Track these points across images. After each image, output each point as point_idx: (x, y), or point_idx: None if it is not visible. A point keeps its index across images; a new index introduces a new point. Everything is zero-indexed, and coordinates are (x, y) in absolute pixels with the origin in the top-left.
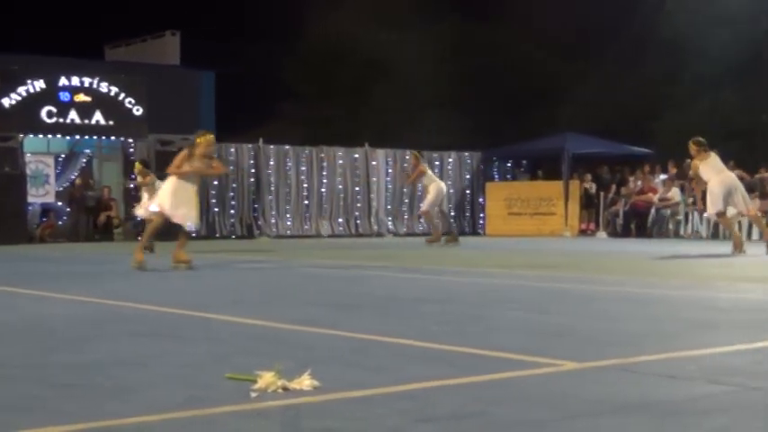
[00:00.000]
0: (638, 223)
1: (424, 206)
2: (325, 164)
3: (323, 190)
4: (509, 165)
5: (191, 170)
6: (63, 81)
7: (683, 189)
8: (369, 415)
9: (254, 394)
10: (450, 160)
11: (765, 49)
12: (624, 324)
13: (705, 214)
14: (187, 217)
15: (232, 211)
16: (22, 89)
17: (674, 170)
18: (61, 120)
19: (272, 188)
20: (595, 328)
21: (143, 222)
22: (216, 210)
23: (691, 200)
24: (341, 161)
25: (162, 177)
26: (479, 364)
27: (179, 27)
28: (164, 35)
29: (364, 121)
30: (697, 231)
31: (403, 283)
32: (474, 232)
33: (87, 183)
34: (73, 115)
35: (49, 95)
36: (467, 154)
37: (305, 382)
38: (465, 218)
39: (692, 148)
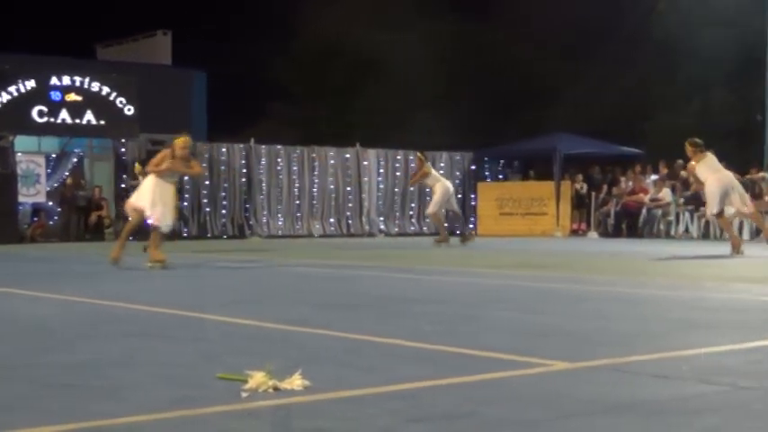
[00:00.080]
0: (630, 223)
1: (430, 208)
2: (316, 164)
3: (314, 190)
4: (501, 165)
5: (169, 167)
6: (54, 80)
7: (673, 189)
8: (360, 415)
9: (244, 394)
10: (442, 160)
11: (757, 49)
12: (616, 324)
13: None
14: (163, 217)
15: (223, 211)
16: (12, 88)
17: (665, 170)
18: (52, 119)
19: (264, 188)
20: (587, 328)
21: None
22: (207, 210)
23: (681, 200)
24: (332, 161)
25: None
26: (471, 364)
27: (170, 27)
28: (155, 35)
29: (356, 121)
30: (688, 231)
31: (395, 283)
32: (472, 231)
33: (78, 182)
34: (64, 115)
35: (41, 95)
36: (458, 154)
37: (296, 381)
38: (456, 218)
39: (689, 149)
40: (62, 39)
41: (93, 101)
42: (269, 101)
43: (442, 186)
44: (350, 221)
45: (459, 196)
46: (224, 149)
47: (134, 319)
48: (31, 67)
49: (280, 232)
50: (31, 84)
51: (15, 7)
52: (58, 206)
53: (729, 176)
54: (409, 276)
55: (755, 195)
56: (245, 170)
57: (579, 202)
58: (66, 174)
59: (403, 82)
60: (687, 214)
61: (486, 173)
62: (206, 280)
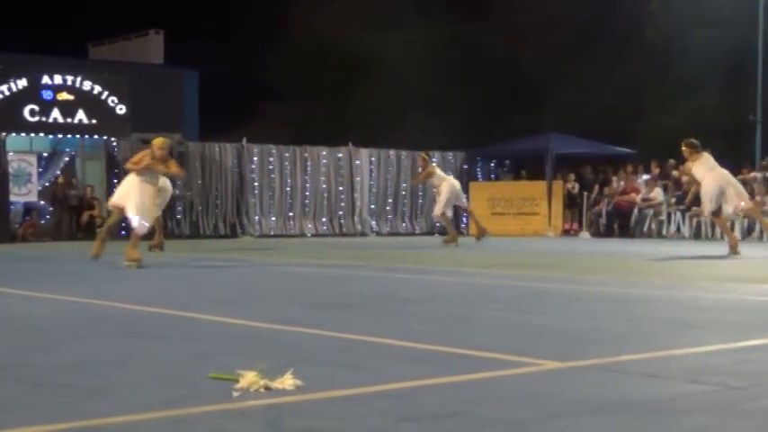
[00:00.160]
0: (621, 223)
1: (436, 209)
2: (308, 163)
3: (307, 189)
4: (493, 165)
5: (147, 166)
6: (46, 79)
7: (665, 189)
8: (351, 414)
9: (236, 394)
10: (434, 160)
11: (748, 49)
12: (606, 324)
13: (702, 216)
14: (141, 216)
15: (216, 211)
16: (4, 87)
17: (656, 170)
18: (44, 118)
19: (256, 188)
20: (578, 327)
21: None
22: (200, 209)
23: (673, 200)
24: (325, 161)
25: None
26: (462, 364)
27: (163, 26)
28: (147, 34)
29: (348, 121)
30: (679, 231)
31: (387, 282)
32: (457, 232)
33: (70, 182)
34: (56, 114)
35: (32, 94)
36: (450, 154)
37: (287, 381)
38: None
39: (685, 149)
40: (54, 38)
41: (84, 100)
42: (261, 100)
43: (447, 185)
44: (342, 221)
45: None
46: (216, 149)
47: (127, 318)
48: (22, 66)
49: (272, 232)
50: (22, 83)
51: (7, 6)
52: (49, 205)
53: (725, 174)
54: (401, 276)
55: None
56: (237, 170)
57: (571, 202)
58: (58, 173)
59: (395, 82)
60: (679, 214)
61: (479, 173)
62: (198, 280)
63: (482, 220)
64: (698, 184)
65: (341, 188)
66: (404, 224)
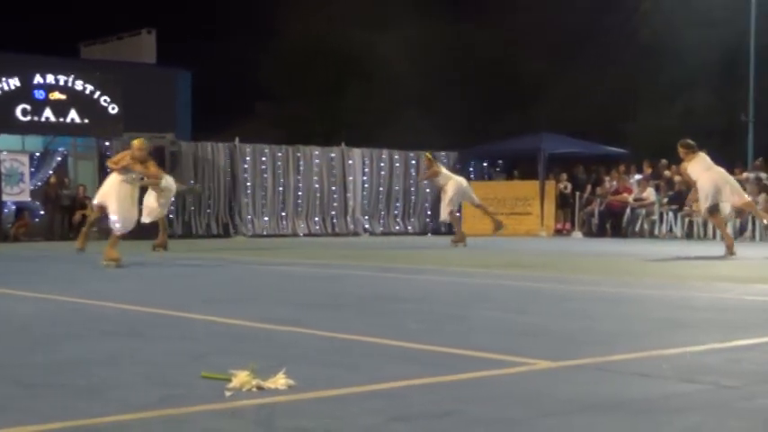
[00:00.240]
0: (614, 223)
1: (442, 214)
2: (301, 163)
3: (299, 189)
4: (485, 164)
5: (125, 166)
6: (38, 79)
7: (657, 189)
8: (344, 414)
9: (228, 393)
10: (444, 160)
11: (741, 50)
12: (599, 323)
13: (698, 216)
14: (119, 216)
15: (208, 210)
16: None
17: (648, 170)
18: (36, 118)
19: (249, 187)
20: (570, 327)
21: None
22: (192, 209)
23: (665, 200)
24: (317, 160)
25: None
26: (455, 363)
27: (155, 25)
28: (140, 33)
29: (341, 121)
30: (671, 231)
31: (380, 282)
32: (450, 231)
33: (62, 181)
34: (48, 113)
35: (24, 93)
36: (443, 153)
37: (280, 381)
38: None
39: (681, 150)
40: (46, 37)
41: (77, 100)
42: (254, 100)
43: (454, 184)
44: (335, 221)
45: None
46: (209, 148)
47: (120, 318)
48: (14, 66)
49: (264, 231)
50: (14, 82)
51: None
52: (42, 205)
53: (721, 172)
54: (394, 276)
55: None
56: (229, 169)
57: (563, 202)
58: (50, 173)
59: (388, 82)
60: (671, 214)
61: (471, 172)
62: (191, 279)
63: (475, 221)
64: (693, 183)
65: (333, 188)
66: (396, 224)
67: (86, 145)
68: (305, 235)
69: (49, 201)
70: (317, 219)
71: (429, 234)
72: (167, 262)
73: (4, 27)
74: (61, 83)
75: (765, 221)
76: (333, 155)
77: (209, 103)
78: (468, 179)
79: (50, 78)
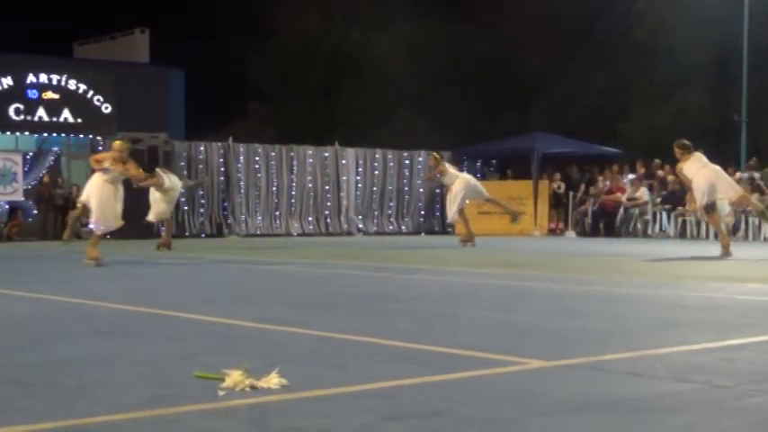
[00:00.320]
0: (607, 223)
1: (449, 213)
2: (295, 163)
3: (293, 189)
4: (479, 164)
5: (105, 167)
6: (31, 78)
7: (651, 189)
8: (336, 413)
9: (221, 393)
10: (420, 159)
11: (734, 49)
12: (591, 323)
13: (691, 215)
14: (96, 216)
15: (201, 210)
16: None
17: (642, 170)
18: (29, 117)
19: (242, 187)
20: (563, 326)
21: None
22: (185, 208)
23: (659, 199)
24: (311, 160)
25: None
26: (447, 363)
27: (148, 25)
28: (133, 33)
29: (334, 120)
30: (664, 231)
31: (373, 281)
32: (444, 231)
33: (55, 181)
34: (41, 113)
35: (17, 93)
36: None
37: (273, 380)
38: (435, 217)
39: (677, 151)
40: (39, 36)
41: (70, 99)
42: (247, 99)
43: (461, 182)
44: (328, 220)
45: (438, 194)
46: (202, 148)
47: (112, 318)
48: (7, 65)
49: (258, 231)
50: (7, 81)
51: None
52: (35, 205)
53: (716, 170)
54: (387, 275)
55: None
56: (223, 169)
57: (557, 202)
58: (44, 172)
59: (382, 82)
60: (664, 213)
61: (465, 172)
62: (184, 279)
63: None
64: (689, 182)
65: (327, 187)
66: (390, 224)
67: (80, 144)
68: (298, 234)
69: (42, 200)
70: (310, 218)
71: (422, 234)
72: (162, 261)
73: None
74: (54, 82)
75: (760, 208)
76: (326, 154)
77: (202, 102)
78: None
79: (44, 78)
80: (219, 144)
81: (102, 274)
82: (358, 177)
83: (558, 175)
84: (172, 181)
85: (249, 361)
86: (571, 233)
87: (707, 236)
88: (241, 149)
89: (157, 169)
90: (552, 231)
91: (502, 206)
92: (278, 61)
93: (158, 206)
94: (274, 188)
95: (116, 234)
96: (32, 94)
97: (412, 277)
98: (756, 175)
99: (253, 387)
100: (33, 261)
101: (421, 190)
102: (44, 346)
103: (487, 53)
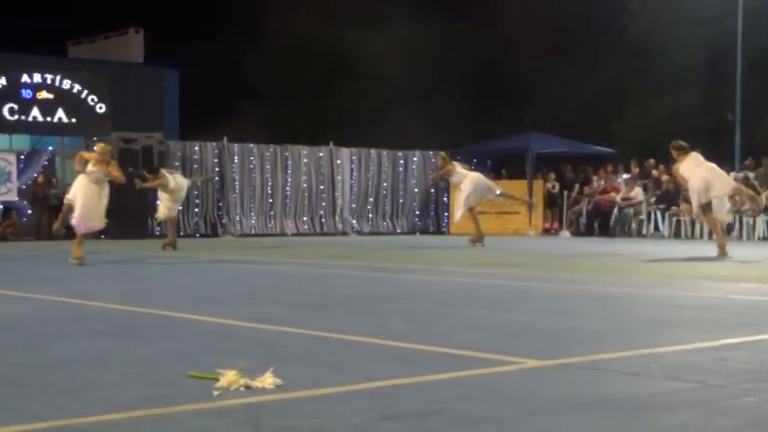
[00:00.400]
0: (601, 222)
1: (457, 213)
2: (289, 162)
3: (287, 189)
4: (473, 164)
5: (90, 168)
6: (25, 78)
7: (645, 188)
8: (331, 413)
9: (216, 392)
10: (415, 159)
11: (728, 49)
12: (587, 322)
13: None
14: (78, 216)
15: (196, 210)
16: None
17: (636, 170)
18: (23, 117)
19: (237, 187)
20: (558, 326)
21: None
22: (180, 208)
23: (653, 199)
24: (305, 160)
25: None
26: (443, 362)
27: (143, 24)
28: (127, 32)
29: (329, 120)
30: (659, 231)
31: (368, 281)
32: (438, 231)
33: (50, 181)
34: (35, 113)
35: (12, 92)
36: (431, 153)
37: (267, 380)
38: (429, 217)
39: (673, 152)
40: (33, 36)
41: (64, 99)
42: (242, 99)
43: (470, 181)
44: (323, 220)
45: (432, 194)
46: (196, 148)
47: (107, 317)
48: (1, 65)
49: (253, 231)
50: (1, 81)
51: None
52: (29, 204)
53: (710, 167)
54: (382, 275)
55: None
56: (217, 169)
57: (551, 202)
58: (39, 171)
59: (376, 82)
60: (658, 213)
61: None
62: (179, 279)
63: (463, 219)
64: (686, 183)
65: (322, 187)
66: (385, 223)
67: (74, 144)
68: (293, 234)
69: (36, 200)
70: (305, 218)
71: (417, 234)
72: (156, 261)
73: None
74: (49, 82)
75: (750, 193)
76: (321, 154)
77: (197, 102)
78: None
79: (38, 77)
80: (214, 144)
81: (96, 273)
82: (353, 177)
83: (552, 175)
84: (177, 181)
85: (244, 361)
86: (566, 233)
87: (701, 236)
88: (236, 149)
89: (162, 170)
90: (547, 231)
91: (516, 199)
92: (273, 61)
93: (165, 206)
94: (269, 188)
95: (114, 234)
96: (27, 93)
97: (407, 277)
98: (751, 174)
99: (247, 387)
100: (28, 261)
101: (416, 190)
102: (39, 346)
103: (482, 53)
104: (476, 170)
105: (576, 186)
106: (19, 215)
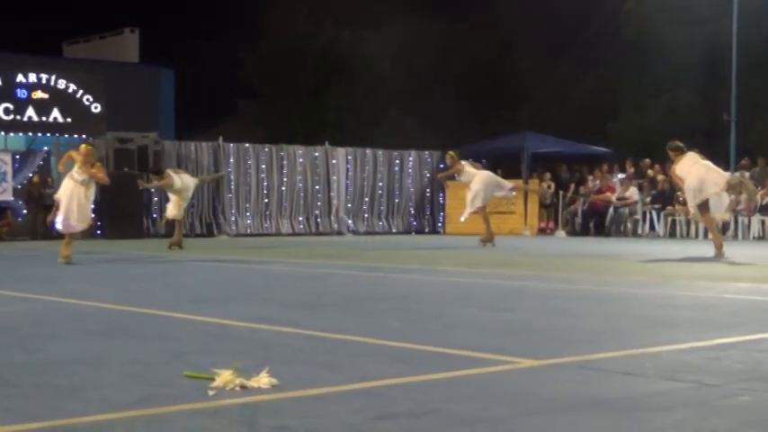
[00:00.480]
0: (597, 222)
1: (465, 213)
2: (285, 162)
3: (283, 188)
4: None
5: (76, 170)
6: (20, 78)
7: (640, 188)
8: (327, 413)
9: (211, 392)
10: (411, 159)
11: (723, 49)
12: (582, 322)
13: (687, 216)
14: (61, 216)
15: (192, 210)
16: None
17: (631, 169)
18: (18, 117)
19: (232, 186)
20: (553, 325)
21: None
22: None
23: (648, 199)
24: (301, 160)
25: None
26: (438, 362)
27: (138, 24)
28: (123, 32)
29: (325, 120)
30: (654, 230)
31: (363, 281)
32: (434, 231)
33: (45, 180)
34: (30, 112)
35: (7, 92)
36: (427, 153)
37: (263, 380)
38: (425, 216)
39: (670, 153)
40: (28, 36)
41: (59, 98)
42: (237, 99)
43: (480, 179)
44: (318, 220)
45: (428, 194)
46: (192, 148)
47: (102, 317)
48: None
49: (248, 231)
50: None
51: None
52: (25, 204)
53: (705, 165)
54: (377, 275)
55: None
56: (213, 168)
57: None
58: (34, 172)
59: (372, 81)
60: (654, 213)
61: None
62: (174, 278)
63: (458, 219)
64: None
65: (317, 187)
66: (380, 223)
67: (69, 144)
68: (289, 234)
69: (32, 200)
70: (300, 218)
71: (413, 233)
72: (153, 261)
73: None
74: (44, 82)
75: (737, 179)
76: (316, 154)
77: (192, 102)
78: (452, 178)
79: (33, 77)
80: (210, 144)
81: (92, 273)
82: (348, 177)
83: (547, 175)
84: (184, 181)
85: (239, 360)
86: (561, 233)
87: (696, 235)
88: (231, 149)
89: (168, 170)
90: (542, 231)
91: (525, 190)
92: (268, 61)
93: (174, 206)
94: (265, 188)
95: (109, 233)
96: (22, 93)
97: (403, 277)
98: (747, 174)
99: (243, 387)
100: (23, 261)
101: (411, 190)
102: (35, 346)
103: (478, 53)
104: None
105: (572, 186)
106: (14, 215)
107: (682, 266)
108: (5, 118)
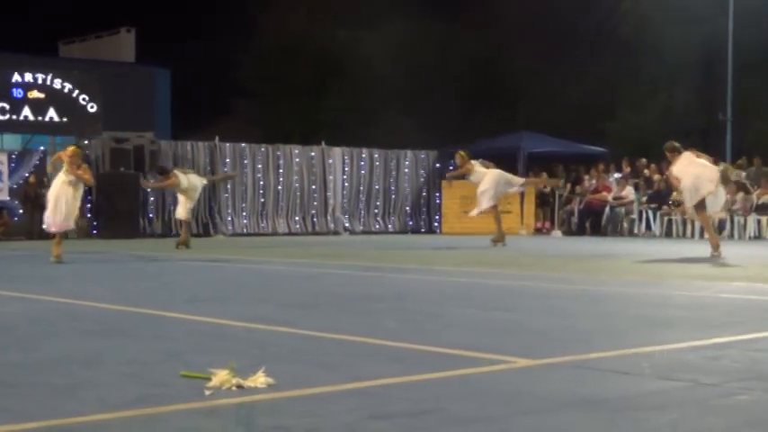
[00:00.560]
0: (593, 222)
1: (474, 211)
2: (281, 162)
3: (279, 188)
4: None
5: (64, 171)
6: (16, 77)
7: (637, 187)
8: (323, 412)
9: (208, 392)
10: (407, 159)
11: (719, 48)
12: (578, 321)
13: (684, 215)
14: (48, 215)
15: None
16: None
17: (628, 169)
18: (14, 116)
19: (229, 186)
20: (549, 325)
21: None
22: (172, 208)
23: (645, 198)
24: (297, 159)
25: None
26: (434, 362)
27: (134, 24)
28: (119, 32)
29: (321, 120)
30: (650, 230)
31: (359, 281)
32: (430, 231)
33: (41, 180)
34: (26, 112)
35: (2, 92)
36: (423, 152)
37: (259, 379)
38: (421, 216)
39: (667, 154)
40: (24, 35)
41: (55, 98)
42: (234, 99)
43: (491, 177)
44: (315, 219)
45: (424, 194)
46: (188, 147)
47: (98, 317)
48: None
49: (245, 230)
50: None
51: None
52: (21, 204)
53: (699, 164)
54: (374, 274)
55: None
56: (209, 168)
57: (543, 201)
58: (30, 171)
59: (368, 81)
60: (650, 212)
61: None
62: (171, 278)
63: (454, 219)
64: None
65: (314, 187)
66: (377, 223)
67: (65, 144)
68: (285, 234)
69: (28, 200)
70: (297, 218)
71: (409, 233)
72: (149, 261)
73: None
74: (40, 81)
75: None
76: (313, 154)
77: (188, 101)
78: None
79: (29, 77)
80: (206, 143)
81: (88, 273)
82: (344, 177)
83: (544, 175)
84: (191, 181)
85: (235, 360)
86: (557, 232)
87: (692, 235)
88: (228, 149)
89: (175, 170)
90: (539, 230)
91: (535, 183)
92: (264, 61)
93: (183, 206)
94: (261, 187)
95: (107, 233)
96: (18, 93)
97: (399, 276)
98: (743, 174)
99: (239, 386)
100: (20, 261)
101: (408, 189)
102: (31, 346)
103: (474, 53)
104: (454, 170)
105: (568, 186)
106: (10, 215)
107: (678, 266)
108: (1, 118)
